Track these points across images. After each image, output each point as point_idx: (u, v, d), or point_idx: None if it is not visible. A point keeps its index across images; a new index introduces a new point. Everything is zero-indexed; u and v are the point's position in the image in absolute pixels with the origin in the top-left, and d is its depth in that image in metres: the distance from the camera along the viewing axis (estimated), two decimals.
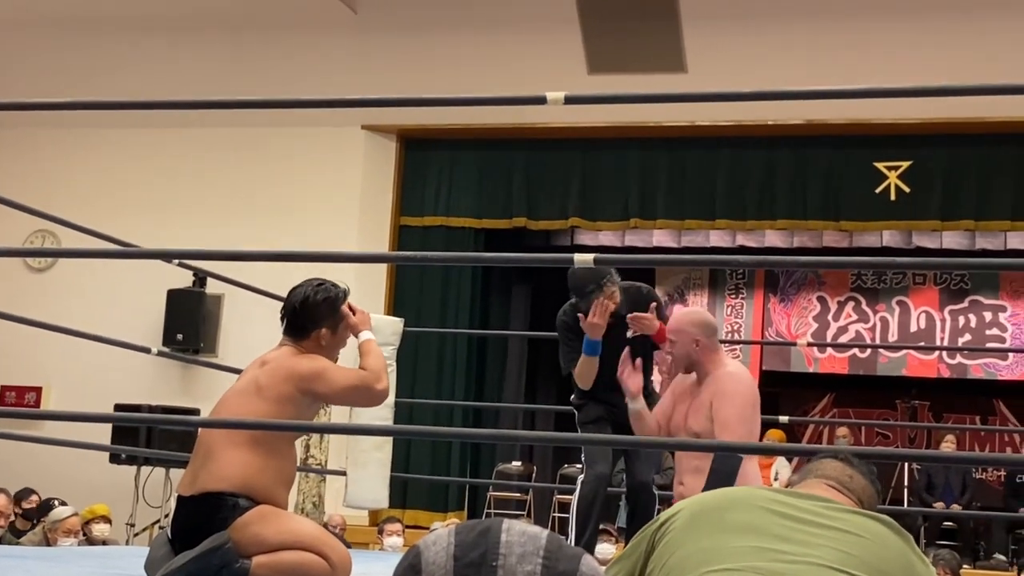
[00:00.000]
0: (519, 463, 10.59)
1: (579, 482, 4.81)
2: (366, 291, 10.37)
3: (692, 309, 4.65)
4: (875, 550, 1.93)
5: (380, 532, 8.41)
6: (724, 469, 4.16)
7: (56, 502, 7.72)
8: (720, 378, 4.28)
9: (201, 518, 3.55)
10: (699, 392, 4.29)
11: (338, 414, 8.38)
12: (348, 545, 6.82)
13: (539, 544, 1.34)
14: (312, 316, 3.76)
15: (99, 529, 7.55)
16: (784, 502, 2.02)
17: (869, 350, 10.87)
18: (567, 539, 5.55)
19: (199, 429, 3.83)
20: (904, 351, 10.76)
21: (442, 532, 1.39)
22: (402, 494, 9.88)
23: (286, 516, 3.64)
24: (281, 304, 6.24)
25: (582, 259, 3.35)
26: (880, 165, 9.94)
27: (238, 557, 3.47)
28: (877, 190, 9.91)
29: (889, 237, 10.21)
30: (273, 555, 3.52)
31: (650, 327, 4.70)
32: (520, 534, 1.35)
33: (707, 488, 4.16)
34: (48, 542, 6.97)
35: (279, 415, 3.60)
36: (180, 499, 3.65)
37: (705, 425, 4.31)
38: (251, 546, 3.52)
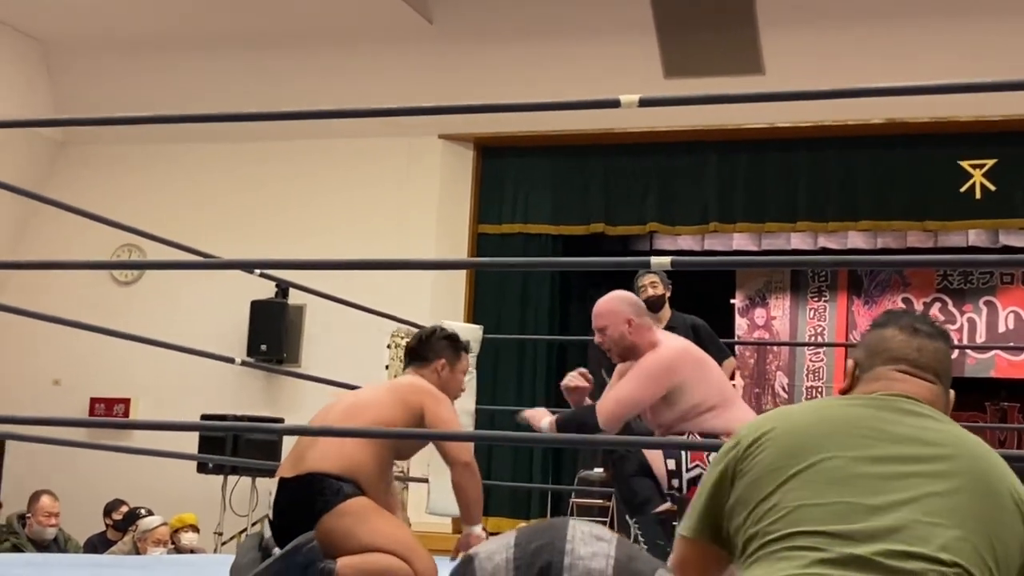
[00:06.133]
0: (601, 469, 10.55)
1: None
2: (445, 299, 10.42)
3: (613, 292, 4.50)
4: (975, 489, 1.85)
5: None
6: (576, 419, 4.20)
7: (143, 511, 7.84)
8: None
9: (304, 498, 3.63)
10: None
11: None
12: None
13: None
14: (434, 347, 4.13)
15: (188, 538, 7.66)
16: (878, 429, 1.93)
17: (956, 351, 10.67)
18: None
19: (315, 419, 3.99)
20: (992, 352, 10.54)
21: (499, 552, 1.27)
22: (484, 500, 9.87)
23: (383, 516, 3.72)
24: (362, 312, 6.31)
25: (658, 262, 3.33)
26: (964, 163, 9.76)
27: (323, 556, 3.51)
28: (962, 189, 9.74)
29: (975, 236, 10.02)
30: (359, 557, 3.57)
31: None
32: (584, 574, 1.24)
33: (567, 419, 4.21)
34: (138, 551, 7.08)
35: (398, 414, 3.84)
36: (282, 481, 3.73)
37: (662, 407, 4.21)
38: (342, 537, 3.58)
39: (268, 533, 3.77)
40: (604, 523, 9.63)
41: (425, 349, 4.13)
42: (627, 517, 4.73)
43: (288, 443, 9.41)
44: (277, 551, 3.57)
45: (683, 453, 4.12)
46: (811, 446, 1.91)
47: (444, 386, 4.07)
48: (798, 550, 1.79)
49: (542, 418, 4.32)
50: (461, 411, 7.37)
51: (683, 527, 2.05)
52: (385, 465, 3.84)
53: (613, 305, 4.28)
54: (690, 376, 4.16)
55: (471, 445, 3.98)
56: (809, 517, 1.82)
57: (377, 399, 3.89)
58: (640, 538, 4.15)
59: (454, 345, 4.16)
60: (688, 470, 4.12)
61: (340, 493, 3.62)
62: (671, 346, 4.25)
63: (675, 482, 4.14)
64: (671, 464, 4.12)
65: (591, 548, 1.25)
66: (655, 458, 4.16)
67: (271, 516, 3.75)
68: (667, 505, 4.17)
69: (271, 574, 3.48)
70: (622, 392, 4.12)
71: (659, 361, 4.15)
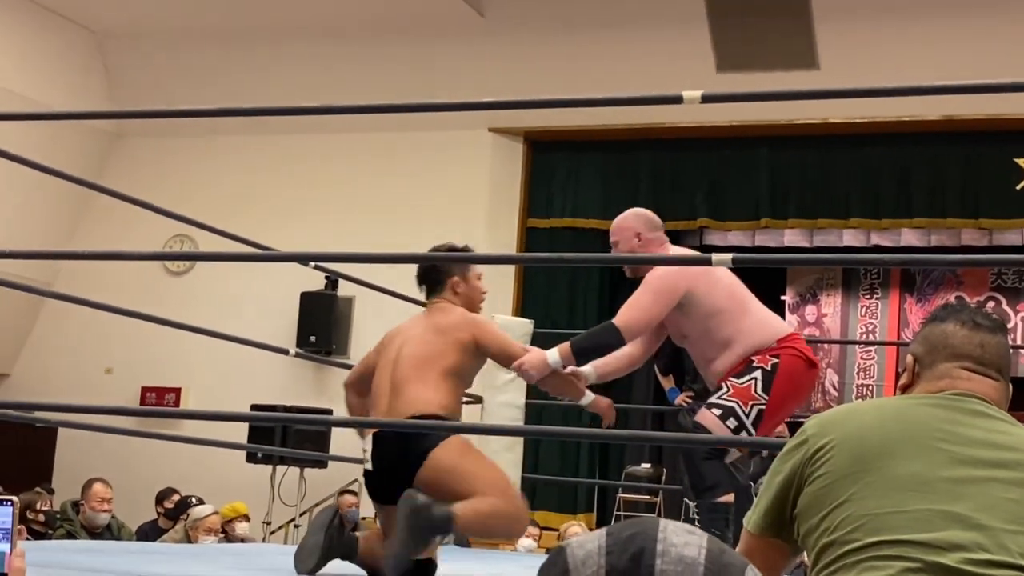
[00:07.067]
0: (648, 465, 10.53)
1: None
2: (494, 293, 10.36)
3: (629, 209, 4.56)
4: None
5: None
6: (594, 340, 4.12)
7: (194, 500, 7.90)
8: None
9: (410, 437, 3.74)
10: None
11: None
12: (466, 544, 6.85)
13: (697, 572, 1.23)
14: (442, 268, 4.12)
15: (241, 528, 7.70)
16: (950, 432, 1.89)
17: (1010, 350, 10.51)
18: None
19: (376, 371, 4.04)
20: None
21: (591, 541, 1.29)
22: (531, 495, 9.86)
23: (478, 453, 3.88)
24: (411, 303, 6.31)
25: (720, 258, 3.31)
26: (1020, 161, 9.65)
27: (434, 502, 3.56)
28: (1018, 186, 9.63)
29: None
30: (472, 501, 3.65)
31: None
32: (677, 561, 1.23)
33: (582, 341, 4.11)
34: (189, 540, 7.13)
35: (464, 357, 3.92)
36: (378, 435, 3.83)
37: (679, 319, 4.21)
38: (449, 470, 3.71)
39: (338, 512, 3.84)
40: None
41: (434, 273, 4.13)
42: (686, 499, 4.72)
43: (336, 433, 9.48)
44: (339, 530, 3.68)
45: (736, 405, 4.09)
46: (883, 449, 1.88)
47: (467, 300, 4.11)
48: (884, 559, 1.77)
49: (541, 359, 4.06)
50: (510, 405, 7.40)
51: (748, 522, 2.05)
52: (460, 397, 3.95)
53: (624, 221, 4.34)
54: (696, 283, 4.17)
55: (519, 347, 4.07)
56: (890, 525, 1.79)
57: (437, 346, 3.91)
58: (696, 523, 4.13)
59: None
60: (747, 415, 4.09)
61: (445, 431, 3.76)
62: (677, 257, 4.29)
63: (743, 434, 4.11)
64: (732, 423, 4.10)
65: (684, 539, 1.25)
66: (714, 424, 4.12)
67: (370, 467, 3.83)
68: (730, 496, 4.14)
69: (404, 546, 3.49)
70: (634, 309, 4.13)
71: (663, 274, 4.17)
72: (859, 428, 1.94)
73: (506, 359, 4.04)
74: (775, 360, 4.11)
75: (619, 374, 4.49)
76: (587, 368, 4.21)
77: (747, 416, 4.07)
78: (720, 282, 4.22)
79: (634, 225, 4.29)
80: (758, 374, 4.10)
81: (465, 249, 4.21)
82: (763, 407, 4.07)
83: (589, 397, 4.17)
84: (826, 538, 1.86)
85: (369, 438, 3.86)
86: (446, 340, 3.92)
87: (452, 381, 3.88)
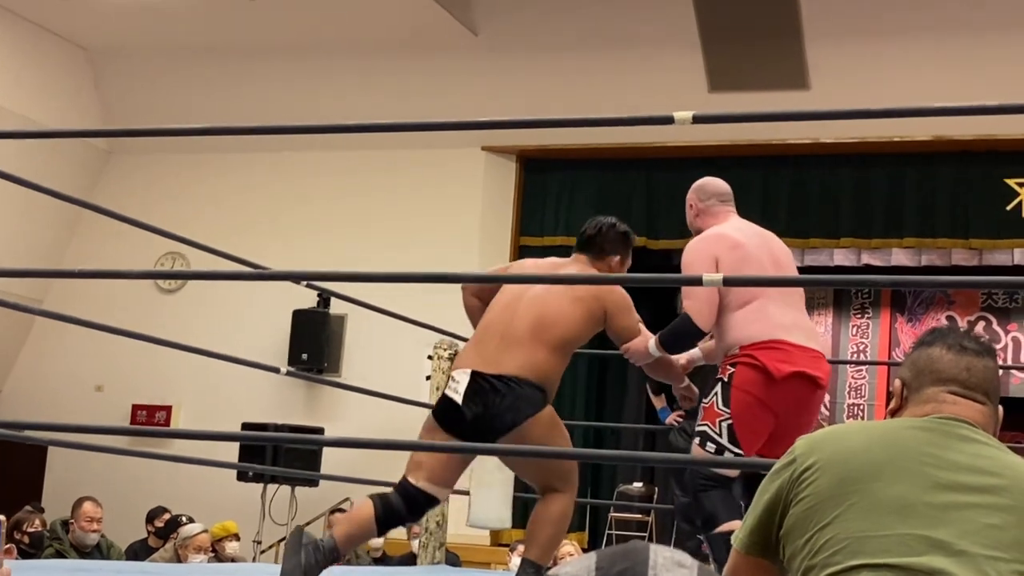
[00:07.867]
0: (640, 484, 10.52)
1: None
2: None
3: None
4: None
5: (512, 550, 8.42)
6: (676, 331, 4.13)
7: (184, 518, 7.88)
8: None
9: (512, 398, 3.86)
10: None
11: None
12: (458, 563, 6.84)
13: None
14: (611, 241, 4.22)
15: (231, 547, 7.67)
16: (935, 456, 1.89)
17: (1001, 371, 10.52)
18: None
19: (493, 308, 4.06)
20: None
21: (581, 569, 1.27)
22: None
23: (560, 431, 4.07)
24: (405, 323, 6.31)
25: (710, 279, 3.35)
26: (1010, 181, 9.69)
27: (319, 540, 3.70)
28: (1008, 207, 9.67)
29: (1020, 255, 9.92)
30: (548, 535, 4.17)
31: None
32: None
33: (666, 335, 4.14)
34: (179, 558, 7.11)
35: (584, 328, 4.04)
36: (479, 375, 3.90)
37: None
38: (537, 440, 3.90)
39: (315, 536, 3.78)
40: (643, 538, 9.58)
41: (603, 241, 4.20)
42: (687, 526, 4.73)
43: (328, 451, 9.46)
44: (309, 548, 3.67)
45: (707, 428, 4.07)
46: (868, 473, 1.89)
47: None
48: None
49: (644, 346, 4.18)
50: None
51: (735, 539, 2.06)
52: (564, 369, 4.05)
53: (687, 197, 4.43)
54: (723, 255, 4.16)
55: (637, 330, 4.13)
56: (870, 549, 1.80)
57: (562, 312, 3.98)
58: (711, 558, 4.07)
59: (627, 242, 4.26)
60: (720, 434, 4.05)
61: (542, 403, 3.91)
62: (705, 235, 4.30)
63: (727, 455, 4.07)
64: (711, 447, 4.08)
65: (673, 574, 1.24)
66: (700, 455, 4.12)
67: (459, 400, 3.86)
68: (732, 523, 4.04)
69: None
70: (691, 295, 4.13)
71: (695, 251, 4.22)
72: (845, 450, 1.94)
73: (621, 338, 4.16)
74: (731, 371, 4.07)
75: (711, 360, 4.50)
76: (650, 348, 4.19)
77: (720, 435, 4.04)
78: (748, 266, 4.17)
79: (690, 196, 4.37)
80: (718, 388, 4.09)
81: (632, 239, 4.33)
82: (730, 421, 4.03)
83: (685, 381, 4.38)
84: (808, 560, 1.86)
85: (466, 372, 3.89)
86: (574, 309, 3.99)
87: (563, 352, 3.99)
